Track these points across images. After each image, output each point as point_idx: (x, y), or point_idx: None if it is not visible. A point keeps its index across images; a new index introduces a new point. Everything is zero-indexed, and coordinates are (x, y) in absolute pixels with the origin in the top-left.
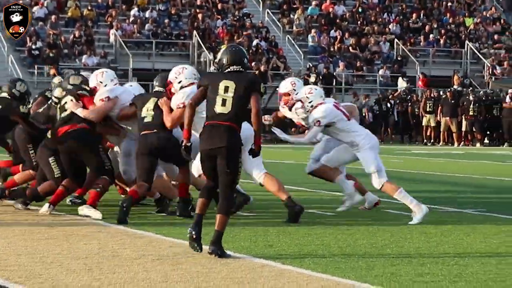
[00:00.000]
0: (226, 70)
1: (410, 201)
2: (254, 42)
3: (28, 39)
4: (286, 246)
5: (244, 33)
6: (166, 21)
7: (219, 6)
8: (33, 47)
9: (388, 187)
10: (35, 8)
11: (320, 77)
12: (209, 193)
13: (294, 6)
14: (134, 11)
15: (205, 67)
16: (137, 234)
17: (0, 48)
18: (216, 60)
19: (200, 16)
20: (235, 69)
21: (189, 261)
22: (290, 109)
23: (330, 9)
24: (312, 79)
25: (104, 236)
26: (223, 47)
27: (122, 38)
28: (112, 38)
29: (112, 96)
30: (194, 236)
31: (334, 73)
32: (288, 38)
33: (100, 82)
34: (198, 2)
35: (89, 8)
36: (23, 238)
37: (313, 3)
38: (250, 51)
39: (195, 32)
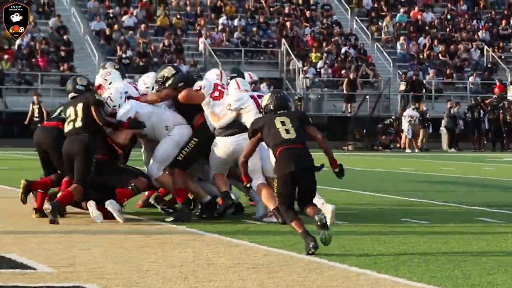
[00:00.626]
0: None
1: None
2: (343, 50)
3: (118, 48)
4: (381, 255)
5: (332, 39)
6: (255, 29)
7: (308, 14)
8: (123, 56)
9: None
10: (124, 17)
11: (409, 85)
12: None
13: (383, 13)
14: (222, 19)
15: (293, 75)
16: (232, 242)
17: (91, 57)
18: (263, 104)
19: (288, 24)
20: (281, 113)
21: (284, 269)
22: None
23: (419, 16)
24: (402, 87)
25: (199, 244)
26: (268, 94)
27: (211, 46)
28: (201, 47)
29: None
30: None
31: (424, 81)
32: (376, 45)
33: (147, 87)
34: (286, 10)
35: (178, 16)
36: (119, 246)
37: (402, 10)
38: (339, 58)
39: (283, 40)
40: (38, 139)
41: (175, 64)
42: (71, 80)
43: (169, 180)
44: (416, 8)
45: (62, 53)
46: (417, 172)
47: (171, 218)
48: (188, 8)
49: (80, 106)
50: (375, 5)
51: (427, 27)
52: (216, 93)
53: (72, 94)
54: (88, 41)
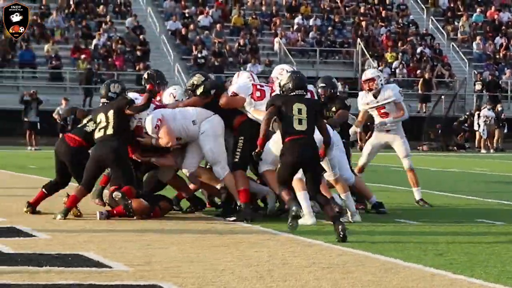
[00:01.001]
0: (291, 94)
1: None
2: (418, 50)
3: (193, 47)
4: (457, 255)
5: (408, 39)
6: (330, 29)
7: (383, 13)
8: (199, 55)
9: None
10: (200, 17)
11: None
12: None
13: (459, 13)
14: (298, 19)
15: None
16: (307, 242)
17: (167, 57)
18: (282, 83)
19: (363, 23)
20: (299, 93)
21: (359, 269)
22: (375, 96)
23: (495, 16)
24: (478, 87)
25: (274, 244)
26: (288, 74)
27: (286, 46)
28: (276, 46)
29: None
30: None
31: (500, 81)
32: (452, 45)
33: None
34: (362, 10)
35: (254, 16)
36: (194, 246)
37: (478, 10)
38: (414, 58)
39: (359, 40)
40: (59, 150)
41: (203, 71)
42: (105, 85)
43: (232, 180)
44: (493, 8)
45: (138, 53)
46: (492, 172)
47: (233, 218)
48: (263, 8)
49: (111, 113)
50: (451, 5)
51: (503, 27)
52: (258, 93)
53: (104, 100)
54: (164, 41)
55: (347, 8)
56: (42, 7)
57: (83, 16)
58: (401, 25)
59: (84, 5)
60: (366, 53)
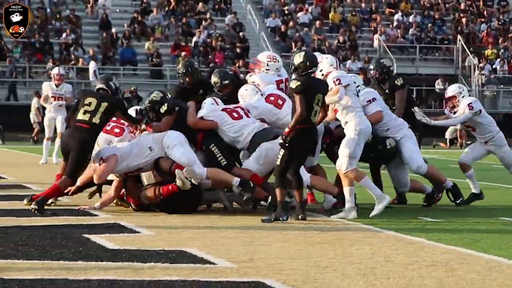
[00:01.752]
0: (305, 72)
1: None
2: None
3: (293, 44)
4: None
5: (509, 36)
6: (430, 25)
7: (483, 10)
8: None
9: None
10: (299, 14)
11: None
12: None
13: None
14: (397, 16)
15: (469, 71)
16: (408, 239)
17: None
18: (296, 62)
19: (464, 20)
20: (312, 71)
21: (463, 267)
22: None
23: None
24: None
25: (377, 241)
26: (302, 53)
27: (385, 43)
28: (376, 43)
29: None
30: None
31: None
32: None
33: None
34: (462, 7)
35: (353, 13)
36: (296, 242)
37: None
38: None
39: (459, 37)
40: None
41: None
42: (106, 75)
43: (216, 172)
44: None
45: (238, 50)
46: None
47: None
48: (363, 5)
49: (105, 105)
50: None
51: None
52: (234, 114)
53: (101, 86)
54: (264, 38)
55: (447, 5)
56: (143, 4)
57: (183, 13)
58: (502, 21)
59: (184, 3)
60: (467, 49)
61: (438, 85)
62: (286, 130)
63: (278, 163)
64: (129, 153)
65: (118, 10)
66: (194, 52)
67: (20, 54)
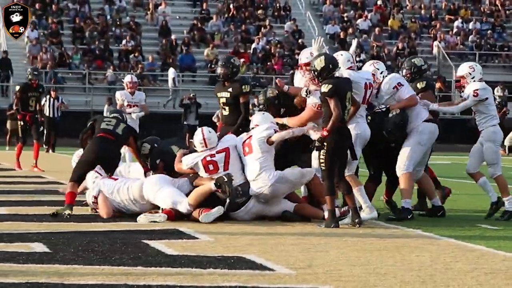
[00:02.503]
0: (330, 75)
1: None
2: None
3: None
4: None
5: None
6: (490, 32)
7: None
8: (357, 59)
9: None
10: (359, 21)
11: None
12: None
13: None
14: (457, 22)
15: None
16: (468, 247)
17: None
18: (320, 67)
19: None
20: (336, 71)
21: None
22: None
23: None
24: None
25: (436, 248)
26: (322, 57)
27: (445, 49)
28: (435, 50)
29: None
30: None
31: None
32: None
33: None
34: None
35: (413, 20)
36: (355, 249)
37: None
38: None
39: None
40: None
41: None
42: (118, 113)
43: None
44: None
45: (297, 57)
46: None
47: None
48: (422, 12)
49: (122, 127)
50: None
51: None
52: (210, 166)
53: (115, 115)
54: (323, 45)
55: (507, 12)
56: (203, 11)
57: (242, 20)
58: None
59: (244, 9)
60: None
61: (498, 92)
62: (324, 133)
63: (322, 167)
64: (117, 191)
65: (178, 17)
66: (253, 58)
67: (80, 61)
